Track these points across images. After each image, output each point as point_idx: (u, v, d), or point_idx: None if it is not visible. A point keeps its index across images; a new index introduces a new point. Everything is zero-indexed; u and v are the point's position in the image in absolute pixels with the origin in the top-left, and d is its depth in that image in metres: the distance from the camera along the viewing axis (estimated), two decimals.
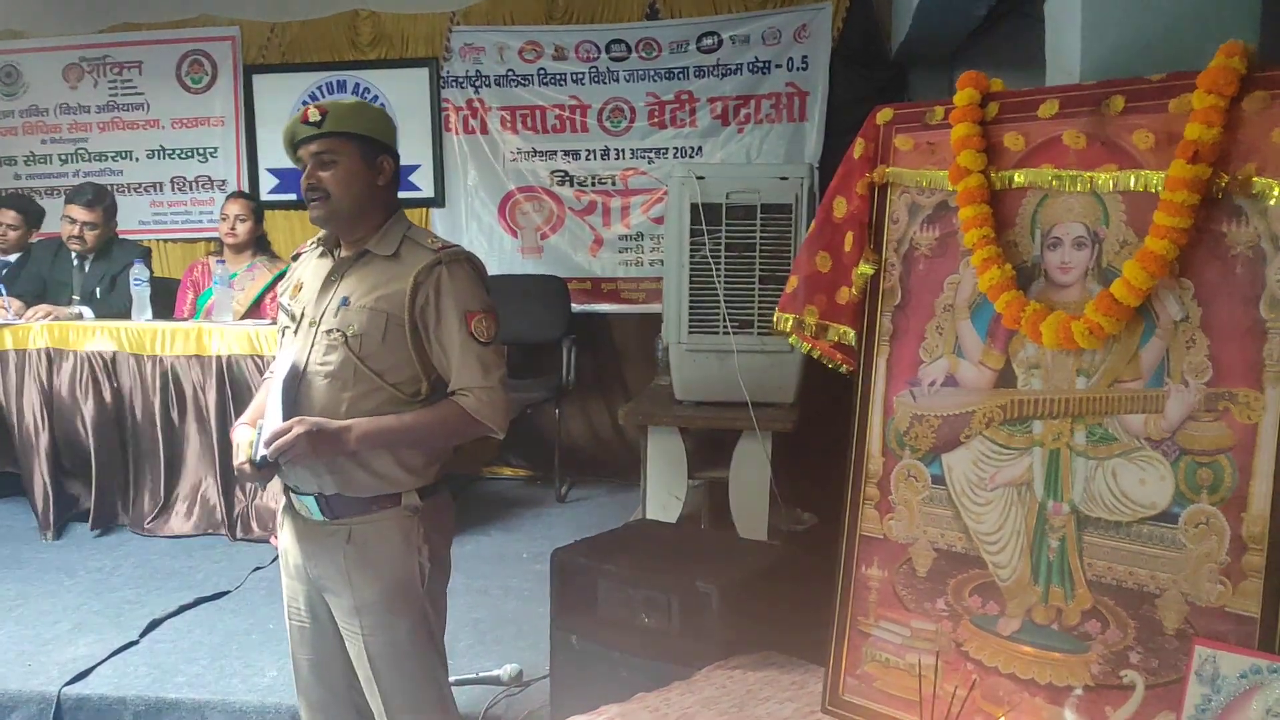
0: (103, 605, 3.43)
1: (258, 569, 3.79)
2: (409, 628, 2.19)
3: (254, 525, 4.14)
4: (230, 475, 4.12)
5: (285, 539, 2.30)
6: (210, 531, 4.17)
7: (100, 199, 4.62)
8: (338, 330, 2.14)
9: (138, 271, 4.30)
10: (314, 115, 2.11)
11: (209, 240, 5.61)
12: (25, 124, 5.75)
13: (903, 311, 1.95)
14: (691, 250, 3.92)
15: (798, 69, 4.97)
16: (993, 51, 4.37)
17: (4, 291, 4.55)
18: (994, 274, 1.78)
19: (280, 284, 2.55)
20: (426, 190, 5.41)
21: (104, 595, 3.53)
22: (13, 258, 5.00)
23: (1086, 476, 1.71)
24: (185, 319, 4.51)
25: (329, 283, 2.20)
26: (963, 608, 1.83)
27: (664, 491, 3.86)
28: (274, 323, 4.28)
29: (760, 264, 3.86)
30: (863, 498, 1.98)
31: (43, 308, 4.37)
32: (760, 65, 5.00)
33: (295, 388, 2.15)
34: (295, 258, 2.43)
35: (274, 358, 2.46)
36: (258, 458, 2.08)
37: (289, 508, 2.28)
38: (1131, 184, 1.67)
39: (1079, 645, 1.69)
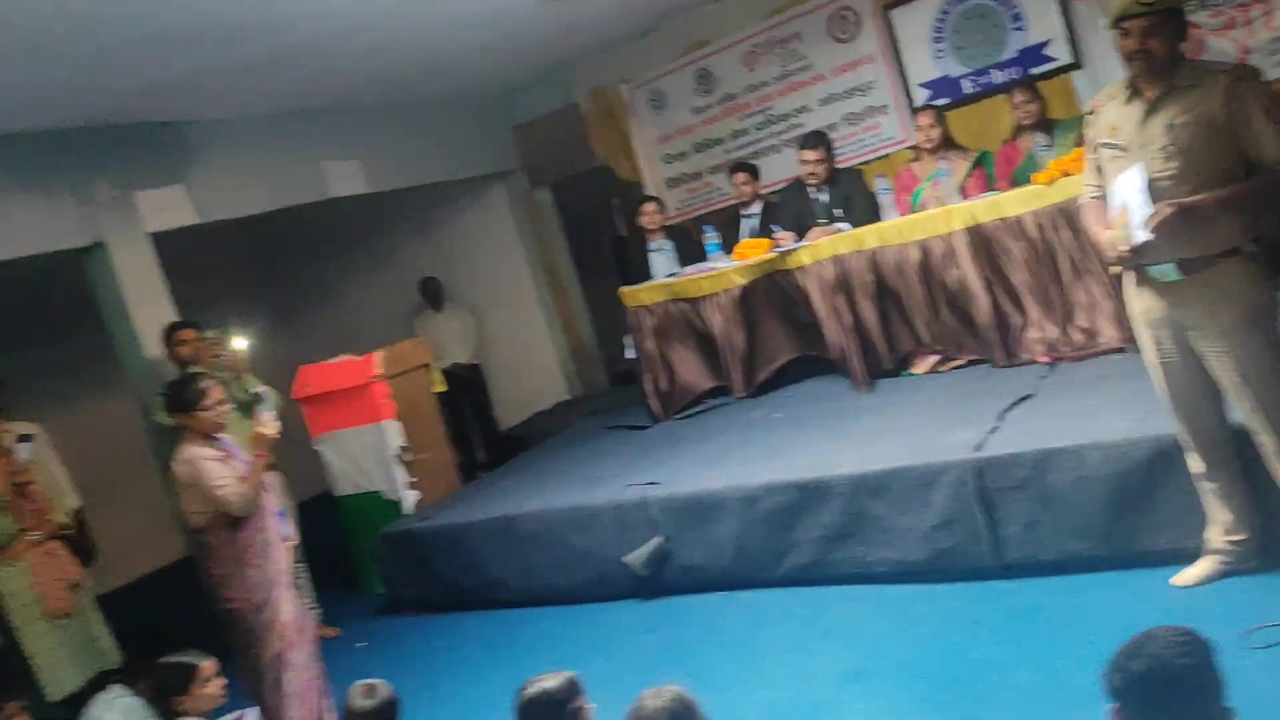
0: (956, 409, 4.64)
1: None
2: (1270, 341, 3.02)
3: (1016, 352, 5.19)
4: (963, 312, 5.21)
5: (1142, 304, 3.20)
6: (975, 361, 5.31)
7: (821, 139, 6.02)
8: (1170, 144, 3.02)
9: (881, 184, 5.60)
10: None
11: (881, 159, 6.84)
12: (723, 109, 7.40)
13: None
14: None
15: None
16: None
17: (774, 229, 6.07)
18: None
19: (1087, 133, 3.39)
20: (1063, 58, 6.08)
21: (945, 409, 4.74)
22: (754, 209, 6.58)
23: None
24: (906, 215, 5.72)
25: (1148, 115, 3.08)
26: None
27: None
28: (989, 194, 5.34)
29: None
30: None
31: (814, 230, 5.81)
32: None
33: (1147, 187, 3.01)
34: (1090, 113, 3.34)
35: (1091, 186, 3.36)
36: (1136, 243, 3.03)
37: (1143, 281, 3.18)
38: None
39: None
